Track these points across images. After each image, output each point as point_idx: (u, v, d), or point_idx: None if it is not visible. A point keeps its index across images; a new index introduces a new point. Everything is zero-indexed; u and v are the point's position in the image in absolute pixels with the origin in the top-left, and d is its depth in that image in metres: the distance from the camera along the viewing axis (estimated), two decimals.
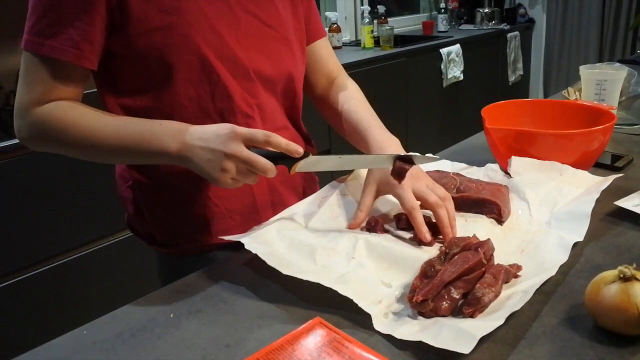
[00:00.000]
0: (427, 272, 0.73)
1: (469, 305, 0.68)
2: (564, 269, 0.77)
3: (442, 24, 3.99)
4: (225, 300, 0.77)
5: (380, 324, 0.68)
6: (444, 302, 0.69)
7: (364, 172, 1.04)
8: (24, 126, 0.87)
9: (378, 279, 0.77)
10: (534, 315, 0.69)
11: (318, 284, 0.73)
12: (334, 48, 3.49)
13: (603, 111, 1.12)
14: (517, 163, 1.01)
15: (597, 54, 4.13)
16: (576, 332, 0.66)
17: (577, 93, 1.61)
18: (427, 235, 0.84)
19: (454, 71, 3.54)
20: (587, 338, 0.64)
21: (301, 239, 0.85)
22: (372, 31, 3.32)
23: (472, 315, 0.67)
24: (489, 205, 0.91)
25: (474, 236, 0.79)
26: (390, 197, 0.92)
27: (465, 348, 0.60)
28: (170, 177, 0.94)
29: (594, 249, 0.84)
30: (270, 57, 0.96)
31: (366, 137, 0.96)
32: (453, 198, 0.93)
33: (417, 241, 0.86)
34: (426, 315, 0.69)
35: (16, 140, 1.72)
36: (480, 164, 1.10)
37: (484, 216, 0.92)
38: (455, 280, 0.70)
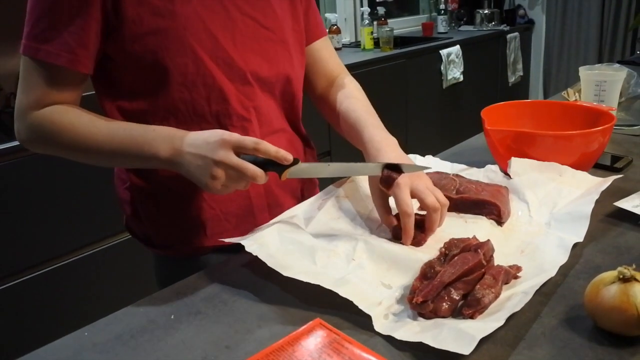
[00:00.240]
0: (427, 273, 0.73)
1: (469, 307, 0.68)
2: (563, 270, 0.77)
3: (441, 25, 3.99)
4: (225, 302, 0.77)
5: (381, 325, 0.68)
6: (444, 303, 0.69)
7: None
8: (22, 129, 0.88)
9: (378, 281, 0.77)
10: (533, 316, 0.69)
11: (318, 285, 0.73)
12: (334, 49, 3.46)
13: (602, 112, 1.13)
14: (517, 164, 1.01)
15: (596, 54, 4.13)
16: (576, 333, 0.66)
17: (576, 94, 1.62)
18: (408, 241, 0.85)
19: (454, 72, 3.54)
20: (586, 339, 0.64)
21: (301, 241, 0.85)
22: (371, 32, 3.32)
23: (472, 316, 0.67)
24: (489, 206, 0.91)
25: (474, 237, 0.80)
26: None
27: (465, 349, 0.61)
28: (167, 180, 0.94)
29: (593, 250, 0.84)
30: (267, 59, 0.96)
31: (362, 137, 0.95)
32: (453, 199, 0.93)
33: (395, 238, 0.87)
34: (426, 316, 0.69)
35: (16, 142, 1.72)
36: (480, 165, 1.10)
37: (484, 217, 0.92)
38: (455, 282, 0.70)
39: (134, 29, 0.84)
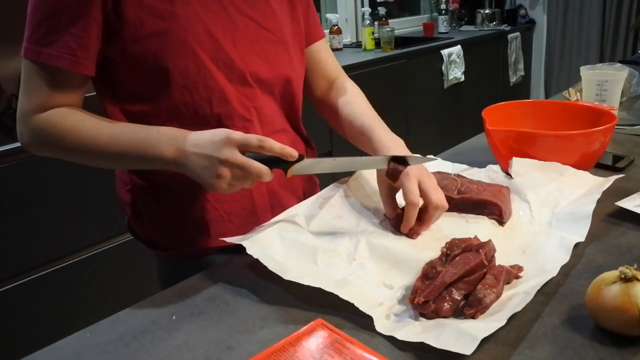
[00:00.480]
0: (429, 273, 0.73)
1: (471, 307, 0.68)
2: (565, 270, 0.77)
3: (442, 25, 3.99)
4: (227, 303, 0.77)
5: (382, 326, 0.68)
6: (446, 304, 0.69)
7: (365, 173, 1.04)
8: (25, 132, 0.88)
9: (379, 281, 0.77)
10: (535, 316, 0.69)
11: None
12: (335, 50, 3.48)
13: (604, 112, 1.13)
14: (518, 164, 1.02)
15: (598, 54, 4.12)
16: (577, 332, 0.66)
17: (578, 94, 1.62)
18: (406, 229, 0.87)
19: (455, 72, 3.54)
20: (588, 339, 0.64)
21: (302, 241, 0.85)
22: (372, 33, 3.32)
23: (473, 317, 0.67)
24: (490, 206, 0.91)
25: (475, 237, 0.80)
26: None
27: (467, 349, 0.61)
28: (169, 181, 0.94)
29: (595, 250, 0.84)
30: (267, 60, 0.96)
31: (371, 139, 0.96)
32: (454, 199, 0.93)
33: (394, 227, 0.88)
34: (428, 316, 0.69)
35: (17, 144, 1.73)
36: (482, 165, 1.10)
37: (485, 217, 0.92)
38: (456, 282, 0.70)
39: (134, 31, 0.84)
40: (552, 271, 0.75)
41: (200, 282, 0.83)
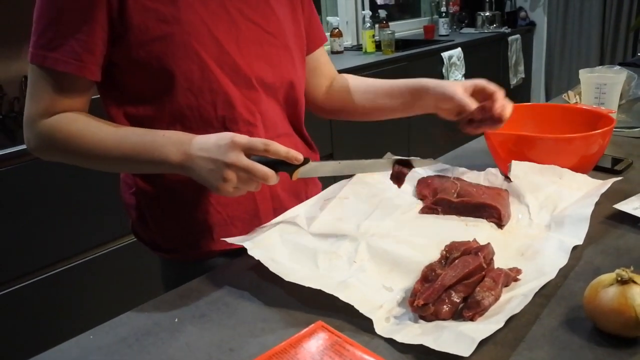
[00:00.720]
0: (428, 276, 0.74)
1: (469, 309, 0.69)
2: (563, 272, 0.78)
3: (443, 28, 4.00)
4: (229, 305, 0.78)
5: (382, 328, 0.69)
6: (445, 306, 0.69)
7: (365, 175, 1.05)
8: (31, 137, 0.89)
9: (379, 283, 0.78)
10: (533, 318, 0.70)
11: (320, 289, 0.74)
12: (336, 53, 3.49)
13: (602, 115, 1.13)
14: (517, 167, 1.02)
15: (598, 56, 4.13)
16: (575, 334, 0.66)
17: (577, 96, 1.62)
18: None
19: (456, 75, 3.55)
20: (586, 340, 0.65)
21: (303, 243, 0.86)
22: (373, 36, 3.33)
23: (472, 319, 0.68)
24: (489, 209, 0.92)
25: (474, 240, 0.80)
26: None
27: (466, 351, 0.61)
28: (173, 184, 0.95)
29: (593, 252, 0.85)
30: (271, 64, 0.98)
31: (422, 85, 1.08)
32: (453, 202, 0.94)
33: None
34: (427, 318, 0.69)
35: (21, 147, 1.74)
36: (481, 168, 1.11)
37: (485, 220, 0.92)
38: (455, 284, 0.71)
39: (139, 36, 0.85)
40: (551, 273, 0.75)
41: (203, 285, 0.84)
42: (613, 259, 0.83)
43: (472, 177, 1.08)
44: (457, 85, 1.00)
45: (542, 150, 1.04)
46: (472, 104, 0.97)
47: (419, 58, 3.30)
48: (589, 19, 4.11)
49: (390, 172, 0.89)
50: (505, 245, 0.86)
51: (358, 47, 3.56)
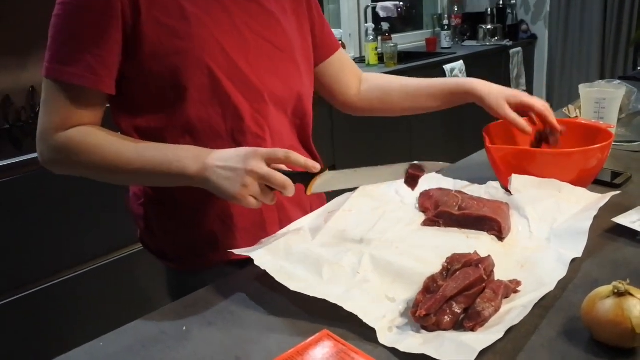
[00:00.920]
0: (430, 287, 0.76)
1: (470, 320, 0.71)
2: (562, 284, 0.79)
3: (445, 41, 4.03)
4: (235, 314, 0.80)
5: (385, 338, 0.70)
6: (446, 317, 0.71)
7: (368, 188, 1.07)
8: (46, 150, 0.90)
9: (382, 294, 0.79)
10: (532, 329, 0.71)
11: (324, 299, 0.76)
12: None
13: (601, 129, 1.15)
14: (518, 181, 1.04)
15: (599, 69, 4.15)
16: (573, 345, 0.68)
17: (577, 110, 1.64)
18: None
19: None
20: (583, 351, 0.67)
21: (308, 254, 0.87)
22: (376, 48, 3.37)
23: (472, 329, 0.70)
24: (490, 222, 0.94)
25: (475, 253, 0.82)
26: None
27: None
28: (182, 195, 0.97)
29: (591, 265, 0.86)
30: (280, 78, 1.00)
31: (467, 90, 1.13)
32: (455, 215, 0.96)
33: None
34: (429, 329, 0.71)
35: (28, 156, 1.76)
36: (482, 181, 1.13)
37: (485, 233, 0.94)
38: (456, 296, 0.73)
39: (152, 51, 0.87)
40: (550, 285, 0.77)
41: (209, 294, 0.86)
42: (611, 271, 0.84)
43: (473, 190, 1.10)
44: (505, 104, 1.07)
45: (542, 165, 1.05)
46: (527, 127, 1.07)
47: (422, 70, 3.32)
48: (590, 32, 4.14)
49: (404, 176, 0.91)
50: (505, 258, 0.87)
51: (361, 59, 3.59)
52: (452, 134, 3.66)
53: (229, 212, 0.99)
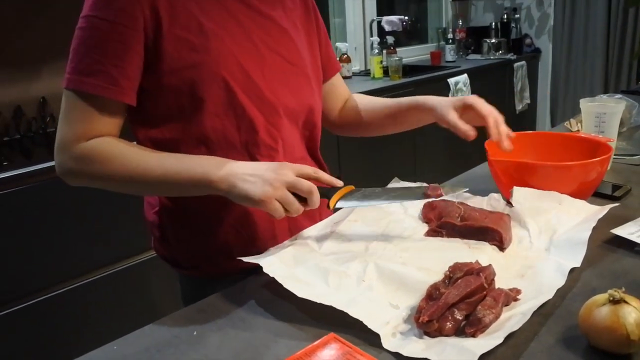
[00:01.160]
0: (433, 294, 0.78)
1: (471, 326, 0.73)
2: (561, 293, 0.82)
3: (449, 54, 4.07)
4: (245, 320, 0.83)
5: (389, 343, 0.73)
6: (448, 323, 0.73)
7: None
8: (67, 160, 0.91)
9: (386, 301, 0.82)
10: (532, 335, 0.74)
11: (331, 305, 0.78)
12: (345, 78, 3.57)
13: (600, 143, 1.18)
14: (519, 193, 1.06)
15: (602, 83, 4.17)
16: (571, 351, 0.70)
17: (579, 124, 1.67)
18: (506, 140, 1.04)
19: None
20: (580, 357, 0.69)
21: (315, 263, 0.90)
22: (381, 61, 3.41)
23: (473, 335, 0.72)
24: (492, 232, 0.96)
25: (477, 262, 0.84)
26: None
27: None
28: (196, 204, 1.00)
29: (591, 274, 0.89)
30: (292, 92, 1.04)
31: (401, 101, 1.15)
32: (457, 226, 0.99)
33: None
34: (431, 334, 0.74)
35: (38, 166, 1.79)
36: (484, 193, 1.16)
37: (487, 243, 0.96)
38: (458, 303, 0.75)
39: (172, 64, 0.91)
40: (549, 294, 0.79)
41: (220, 300, 0.89)
42: (609, 281, 0.87)
43: (475, 202, 1.12)
44: (451, 110, 1.07)
45: (543, 177, 1.08)
46: (470, 132, 1.05)
47: (426, 84, 3.36)
48: (593, 46, 4.16)
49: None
50: (506, 267, 0.90)
51: (366, 73, 3.63)
52: (455, 145, 3.68)
53: (243, 222, 1.02)
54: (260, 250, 0.96)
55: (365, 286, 0.85)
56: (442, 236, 1.00)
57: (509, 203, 1.09)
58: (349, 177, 2.83)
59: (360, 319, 0.75)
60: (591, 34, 4.15)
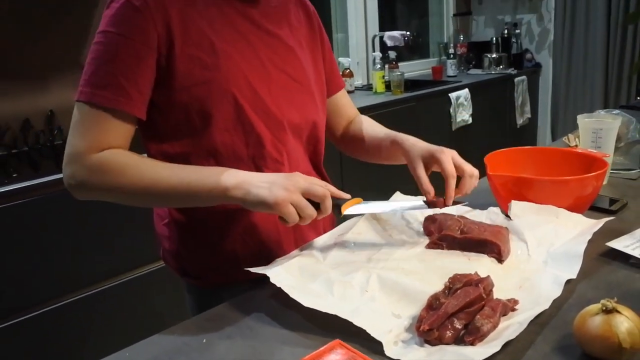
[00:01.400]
0: (433, 304, 0.81)
1: (470, 334, 0.76)
2: (557, 303, 0.85)
3: (451, 69, 4.11)
4: (252, 328, 0.86)
5: (391, 351, 0.76)
6: (448, 331, 0.76)
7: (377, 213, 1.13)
8: (79, 170, 0.92)
9: (389, 311, 0.85)
10: (528, 344, 0.77)
11: (335, 314, 0.81)
12: (347, 92, 3.60)
13: (597, 159, 1.21)
14: (517, 207, 1.09)
15: (602, 97, 4.19)
16: (566, 359, 0.73)
17: (576, 139, 1.70)
18: (450, 201, 1.03)
19: (463, 115, 3.63)
20: None
21: (320, 273, 0.93)
22: (383, 76, 3.44)
23: (472, 343, 0.75)
24: (490, 245, 0.99)
25: (476, 273, 0.87)
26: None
27: None
28: (205, 216, 1.03)
29: (586, 286, 0.92)
30: (297, 108, 1.08)
31: (396, 137, 1.13)
32: (457, 238, 1.02)
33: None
34: (432, 343, 0.76)
35: (45, 178, 1.82)
36: (483, 207, 1.19)
37: (486, 255, 0.99)
38: (457, 312, 0.78)
39: (183, 81, 0.95)
40: (545, 304, 0.82)
41: (228, 310, 0.92)
42: (604, 292, 0.89)
43: (475, 215, 1.16)
44: (419, 161, 1.07)
45: (540, 191, 1.11)
46: (428, 194, 1.04)
47: (428, 98, 3.39)
48: (593, 61, 4.19)
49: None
50: (504, 278, 0.93)
51: (368, 87, 3.67)
52: None
53: (251, 232, 1.05)
54: (267, 260, 0.99)
55: (369, 296, 0.88)
56: (442, 248, 1.03)
57: (508, 216, 1.11)
58: (351, 191, 2.83)
59: (364, 328, 0.78)
60: (591, 49, 4.19)
